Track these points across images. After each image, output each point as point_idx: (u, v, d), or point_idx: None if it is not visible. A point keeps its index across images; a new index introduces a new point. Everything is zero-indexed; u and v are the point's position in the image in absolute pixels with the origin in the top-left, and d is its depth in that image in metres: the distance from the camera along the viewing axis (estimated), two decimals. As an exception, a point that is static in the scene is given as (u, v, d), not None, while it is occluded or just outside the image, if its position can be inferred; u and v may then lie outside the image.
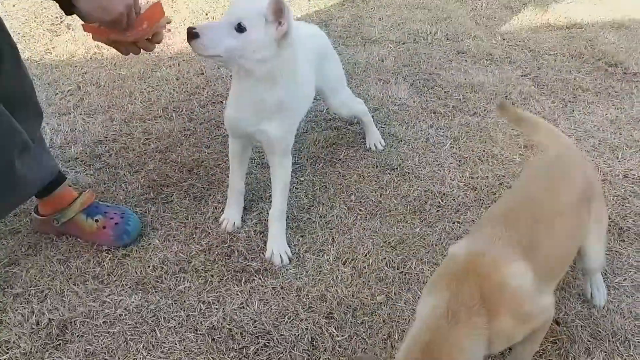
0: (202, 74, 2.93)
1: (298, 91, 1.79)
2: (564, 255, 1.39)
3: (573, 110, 2.62)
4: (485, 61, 3.10)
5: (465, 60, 3.10)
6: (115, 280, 1.77)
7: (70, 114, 2.58)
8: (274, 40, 1.57)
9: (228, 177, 2.17)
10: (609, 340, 1.57)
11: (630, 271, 1.79)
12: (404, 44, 3.28)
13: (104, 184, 2.16)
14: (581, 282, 1.72)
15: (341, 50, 3.19)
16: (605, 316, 1.64)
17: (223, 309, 1.68)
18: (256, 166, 2.27)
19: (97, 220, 1.89)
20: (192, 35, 1.52)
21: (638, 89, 2.79)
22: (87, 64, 2.98)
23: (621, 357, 1.52)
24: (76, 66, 2.96)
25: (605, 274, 1.77)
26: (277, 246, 1.86)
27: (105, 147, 2.37)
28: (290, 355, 1.54)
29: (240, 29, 1.53)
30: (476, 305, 1.14)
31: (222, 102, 2.70)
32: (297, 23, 1.98)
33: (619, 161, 2.28)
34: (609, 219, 1.98)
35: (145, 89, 2.77)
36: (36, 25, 3.44)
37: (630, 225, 1.96)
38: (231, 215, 1.98)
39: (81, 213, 1.89)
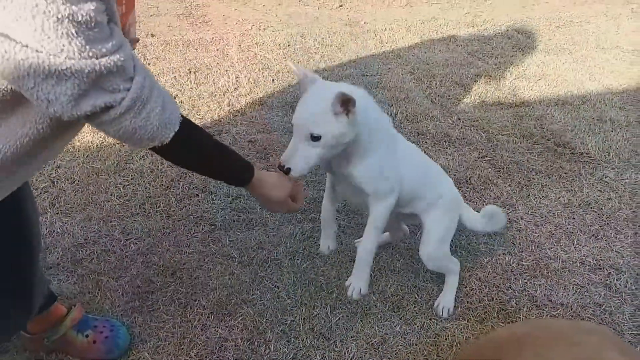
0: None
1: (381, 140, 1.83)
2: None
3: (529, 195, 2.82)
4: (444, 143, 3.29)
5: (426, 142, 3.29)
6: (109, 401, 1.80)
7: (47, 213, 2.60)
8: (348, 125, 1.63)
9: (210, 279, 2.25)
10: None
11: (595, 363, 1.93)
12: (367, 126, 3.44)
13: (89, 292, 2.19)
14: None
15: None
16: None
17: None
18: (237, 265, 2.34)
19: (87, 336, 1.92)
20: (286, 171, 1.67)
21: (585, 170, 3.03)
22: (60, 157, 3.01)
23: None
24: (47, 162, 2.98)
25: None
26: (355, 280, 1.98)
27: (86, 250, 2.40)
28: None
29: (315, 138, 1.62)
30: None
31: (198, 195, 2.78)
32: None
33: (574, 247, 2.46)
34: (570, 308, 2.15)
35: (120, 184, 2.82)
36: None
37: (590, 315, 2.12)
38: (326, 243, 2.10)
39: (71, 329, 1.92)
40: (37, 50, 1.04)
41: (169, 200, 2.73)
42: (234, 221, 2.61)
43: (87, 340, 1.91)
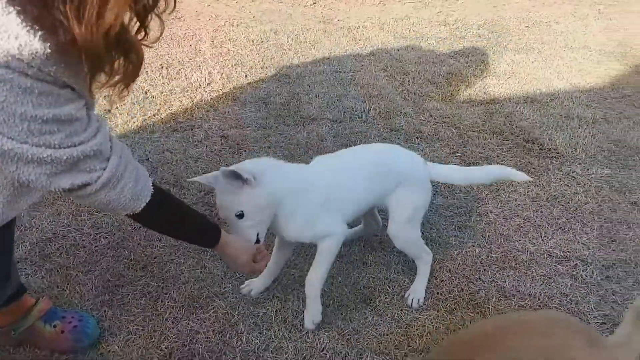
0: (148, 159, 2.99)
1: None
2: None
3: (498, 189, 2.86)
4: (416, 139, 3.32)
5: (399, 138, 3.32)
6: (78, 394, 1.78)
7: (14, 208, 2.55)
8: (255, 191, 1.80)
9: (182, 273, 2.23)
10: None
11: (561, 351, 1.98)
12: (340, 122, 3.47)
13: (57, 286, 2.16)
14: None
15: (282, 130, 3.34)
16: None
17: (189, 417, 1.72)
18: (209, 259, 2.33)
19: (55, 326, 1.90)
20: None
21: (553, 165, 3.09)
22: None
23: None
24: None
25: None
26: (308, 313, 2.04)
27: (55, 244, 2.36)
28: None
29: (239, 215, 1.81)
30: None
31: (169, 189, 2.76)
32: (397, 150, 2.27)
33: (542, 240, 2.51)
34: (538, 299, 2.19)
35: (90, 178, 2.79)
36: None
37: (557, 305, 2.17)
38: (256, 282, 2.19)
39: (39, 320, 1.89)
40: (22, 142, 1.17)
41: (140, 195, 2.70)
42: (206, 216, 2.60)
43: (55, 330, 1.89)
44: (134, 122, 3.34)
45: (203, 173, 2.86)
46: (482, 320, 2.07)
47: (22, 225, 2.45)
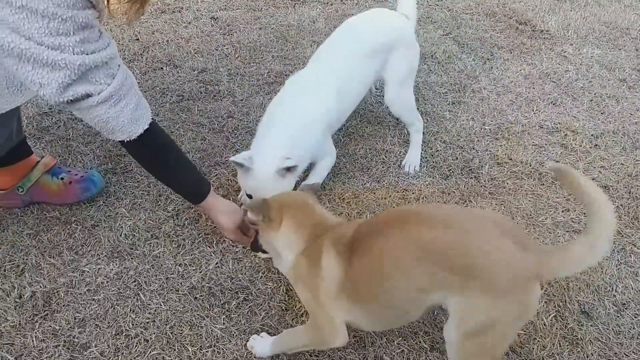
0: (138, 39, 2.93)
1: None
2: None
3: (491, 67, 2.88)
4: (409, 21, 3.28)
5: (391, 20, 3.27)
6: (90, 250, 1.84)
7: (5, 85, 2.52)
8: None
9: (183, 144, 2.26)
10: (537, 271, 1.84)
11: (550, 210, 2.08)
12: (332, 4, 3.41)
13: (59, 156, 2.17)
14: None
15: (272, 12, 3.28)
16: (533, 250, 1.91)
17: (200, 269, 1.80)
18: (208, 132, 2.35)
19: (62, 179, 1.94)
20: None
21: (545, 45, 3.10)
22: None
23: (548, 284, 1.80)
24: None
25: (530, 215, 2.05)
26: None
27: (52, 118, 2.36)
28: (269, 305, 1.70)
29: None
30: None
31: (162, 68, 2.73)
32: (375, 11, 2.20)
33: (534, 113, 2.57)
34: (529, 165, 2.27)
35: (80, 57, 2.74)
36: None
37: (547, 171, 2.25)
38: None
39: (46, 174, 1.93)
40: (39, 44, 1.25)
41: (133, 72, 2.65)
42: (201, 92, 2.60)
43: (62, 182, 1.93)
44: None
45: (195, 54, 2.85)
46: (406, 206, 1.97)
47: (16, 101, 2.42)
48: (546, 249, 1.26)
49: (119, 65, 1.45)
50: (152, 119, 1.57)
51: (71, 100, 1.37)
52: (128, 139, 1.52)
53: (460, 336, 1.24)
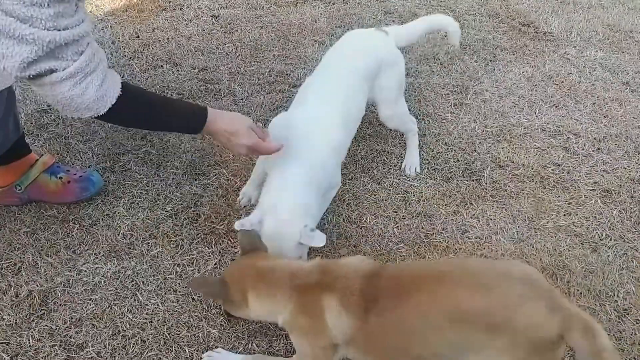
0: (138, 37, 2.91)
1: None
2: None
3: (494, 69, 2.86)
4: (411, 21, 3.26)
5: (393, 21, 3.26)
6: (88, 250, 1.82)
7: (4, 81, 2.50)
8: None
9: (182, 143, 2.24)
10: (539, 275, 1.83)
11: (552, 214, 2.06)
12: (334, 4, 3.38)
13: (57, 154, 2.16)
14: (510, 226, 1.99)
15: (274, 11, 3.26)
16: (535, 254, 1.90)
17: (198, 270, 1.78)
18: (208, 131, 2.33)
19: (60, 178, 1.92)
20: None
21: (548, 48, 3.08)
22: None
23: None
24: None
25: (531, 218, 2.04)
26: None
27: (50, 116, 2.34)
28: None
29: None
30: None
31: (162, 66, 2.71)
32: (358, 32, 2.14)
33: (536, 116, 2.55)
34: (531, 168, 2.25)
35: (80, 54, 2.72)
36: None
37: (549, 174, 2.23)
38: (249, 192, 2.01)
39: (44, 173, 1.91)
40: (7, 13, 1.18)
41: (133, 71, 2.66)
42: (201, 91, 2.58)
43: (60, 181, 1.91)
44: (121, 0, 3.22)
45: (196, 52, 2.83)
46: (436, 261, 1.84)
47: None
48: (575, 313, 1.21)
49: (88, 43, 1.36)
50: (119, 92, 1.46)
51: (33, 75, 1.29)
52: (96, 115, 1.45)
53: None
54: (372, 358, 1.35)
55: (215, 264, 1.80)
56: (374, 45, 2.05)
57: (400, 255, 1.88)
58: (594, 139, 2.41)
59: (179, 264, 1.80)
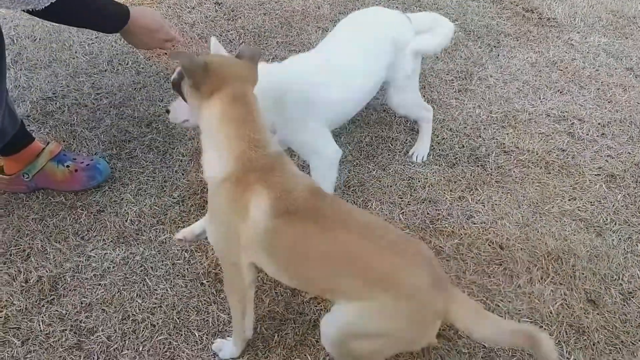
0: (142, 24, 2.90)
1: None
2: None
3: (498, 55, 2.86)
4: (415, 8, 3.25)
5: (397, 7, 3.24)
6: (96, 236, 1.84)
7: (9, 69, 2.50)
8: None
9: (187, 129, 2.25)
10: (544, 259, 1.84)
11: (557, 199, 2.07)
12: (337, -9, 3.37)
13: (63, 141, 2.17)
14: (515, 211, 2.00)
15: (277, -3, 3.25)
16: (540, 239, 1.91)
17: (206, 255, 1.80)
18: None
19: (67, 166, 1.93)
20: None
21: (552, 33, 3.07)
22: (18, 16, 2.85)
23: (555, 272, 1.80)
24: (5, 18, 2.83)
25: (536, 203, 2.05)
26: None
27: (56, 103, 2.34)
28: (275, 292, 1.70)
29: None
30: None
31: (166, 53, 2.71)
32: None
33: (541, 101, 2.55)
34: (536, 154, 2.26)
35: (84, 42, 2.72)
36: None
37: (554, 159, 2.24)
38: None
39: (51, 161, 1.92)
40: None
41: (137, 58, 2.66)
42: (206, 78, 2.58)
43: (68, 170, 1.92)
44: (124, -12, 3.22)
45: (199, 39, 2.83)
46: None
47: (19, 86, 2.41)
48: (458, 297, 1.28)
49: None
50: None
51: None
52: (35, 8, 1.42)
53: (340, 335, 1.28)
54: (272, 260, 1.31)
55: (222, 249, 1.81)
56: (394, 21, 2.02)
57: (407, 240, 1.89)
58: (599, 124, 2.42)
59: (187, 250, 1.81)
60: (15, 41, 2.68)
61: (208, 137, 1.33)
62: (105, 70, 2.55)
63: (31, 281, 1.68)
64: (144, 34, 1.69)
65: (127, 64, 2.60)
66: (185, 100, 1.42)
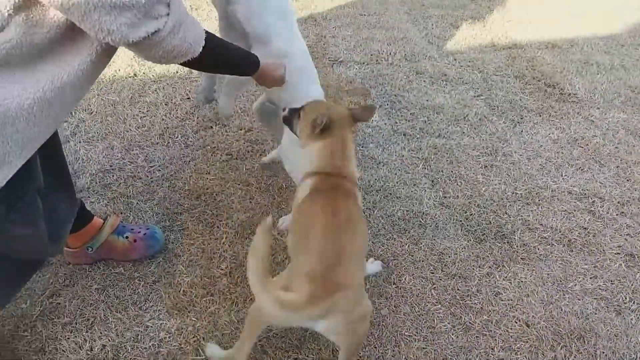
0: (189, 98, 3.14)
1: None
2: None
3: (522, 131, 3.03)
4: (442, 82, 3.46)
5: (424, 81, 3.46)
6: (153, 306, 2.00)
7: (69, 142, 2.73)
8: None
9: (233, 203, 2.43)
10: (567, 338, 1.96)
11: (579, 277, 2.20)
12: (367, 64, 3.60)
13: (121, 213, 2.36)
14: (540, 289, 2.13)
15: (312, 72, 3.47)
16: (564, 317, 2.04)
17: (253, 327, 1.95)
18: (256, 191, 2.53)
19: (127, 237, 2.12)
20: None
21: (573, 109, 3.24)
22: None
23: (577, 351, 1.92)
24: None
25: (560, 281, 2.17)
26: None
27: (113, 175, 2.55)
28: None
29: None
30: None
31: (212, 127, 2.93)
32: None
33: (563, 179, 2.70)
34: (559, 231, 2.39)
35: (137, 115, 2.95)
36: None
37: (576, 237, 2.38)
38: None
39: (112, 234, 2.11)
40: None
41: (185, 131, 2.88)
42: (248, 152, 2.78)
43: (127, 240, 2.11)
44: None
45: (241, 113, 3.04)
46: None
47: (79, 158, 2.63)
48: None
49: None
50: (204, 30, 1.55)
51: (142, 38, 1.31)
52: (191, 58, 1.51)
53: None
54: (292, 236, 1.78)
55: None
56: None
57: (438, 316, 2.02)
58: (618, 202, 2.56)
59: (233, 321, 1.96)
60: (73, 114, 2.92)
61: (306, 157, 1.84)
62: (157, 144, 2.77)
63: (95, 349, 1.85)
64: (267, 78, 1.97)
65: (176, 137, 2.82)
66: (293, 132, 1.97)
